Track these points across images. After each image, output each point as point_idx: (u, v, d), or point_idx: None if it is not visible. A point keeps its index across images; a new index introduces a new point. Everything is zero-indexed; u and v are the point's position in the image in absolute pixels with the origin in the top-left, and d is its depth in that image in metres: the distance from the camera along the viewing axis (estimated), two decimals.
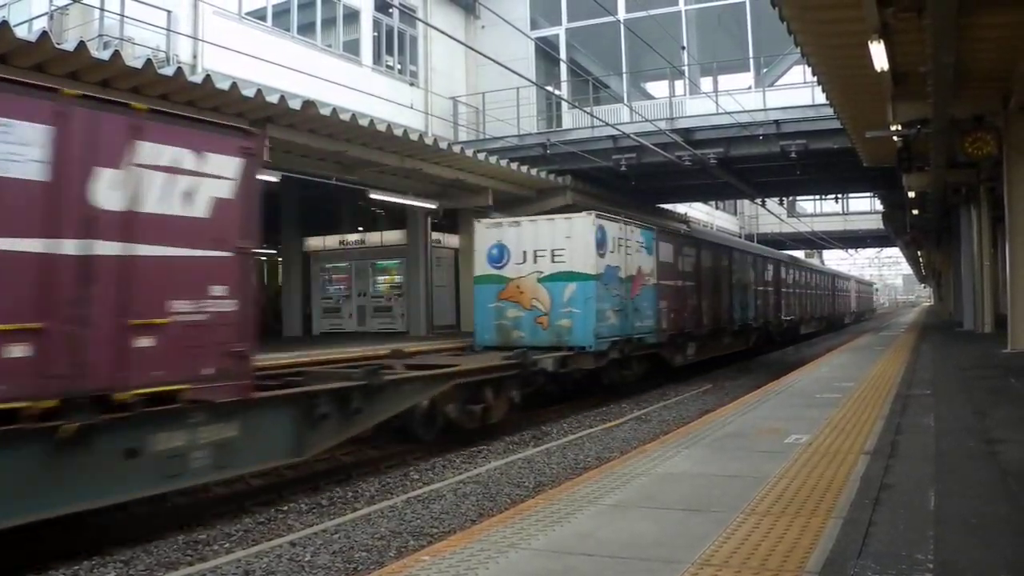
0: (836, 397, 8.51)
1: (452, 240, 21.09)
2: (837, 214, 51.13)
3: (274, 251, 28.62)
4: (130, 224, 6.25)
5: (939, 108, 12.23)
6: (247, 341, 6.99)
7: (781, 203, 42.47)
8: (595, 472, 5.33)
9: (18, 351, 5.50)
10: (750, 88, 21.80)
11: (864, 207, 50.01)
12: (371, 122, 13.77)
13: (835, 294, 46.51)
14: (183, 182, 6.63)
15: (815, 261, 61.06)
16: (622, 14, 21.82)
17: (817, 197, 47.44)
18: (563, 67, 24.33)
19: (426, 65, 23.05)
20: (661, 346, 16.54)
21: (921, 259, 54.72)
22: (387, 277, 21.18)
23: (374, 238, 21.83)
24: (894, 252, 77.91)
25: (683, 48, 21.48)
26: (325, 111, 12.79)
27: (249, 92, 11.48)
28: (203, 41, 15.56)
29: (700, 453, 5.71)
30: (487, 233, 14.35)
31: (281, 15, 18.81)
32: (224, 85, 11.14)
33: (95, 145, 6.09)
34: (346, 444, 11.07)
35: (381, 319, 20.90)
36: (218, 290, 6.78)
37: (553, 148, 20.88)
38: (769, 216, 43.81)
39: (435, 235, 19.98)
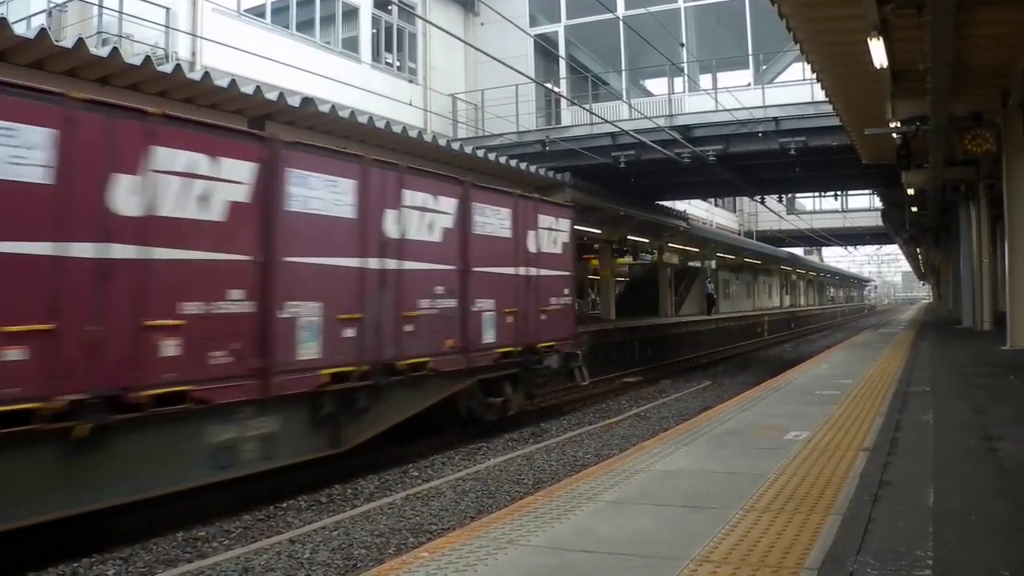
0: (835, 394, 8.52)
1: None
2: (836, 211, 51.25)
3: None
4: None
5: (938, 105, 12.23)
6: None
7: (780, 200, 42.54)
8: (594, 469, 5.33)
9: None
10: (749, 85, 21.78)
11: (863, 204, 50.14)
12: (370, 119, 13.74)
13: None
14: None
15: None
16: (621, 11, 21.79)
17: (816, 194, 47.45)
18: (562, 64, 24.31)
19: (425, 62, 23.02)
20: None
21: (920, 256, 54.76)
22: None
23: None
24: (893, 249, 78.05)
25: (682, 45, 21.46)
26: (324, 108, 12.76)
27: (248, 89, 11.45)
28: (202, 38, 15.53)
29: (699, 450, 5.71)
30: None
31: (280, 12, 18.78)
32: (223, 82, 11.11)
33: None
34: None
35: None
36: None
37: (552, 145, 20.85)
38: (768, 213, 43.84)
39: None
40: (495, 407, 11.53)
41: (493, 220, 11.20)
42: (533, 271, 12.23)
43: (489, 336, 10.98)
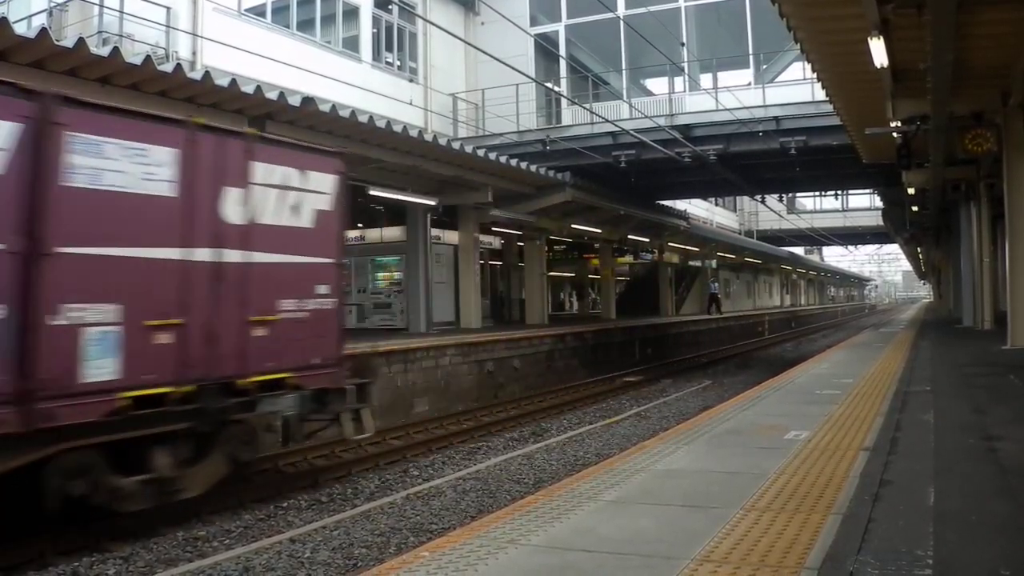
0: (836, 394, 8.51)
1: (452, 236, 21.08)
2: (837, 211, 51.24)
3: None
4: None
5: (938, 105, 12.22)
6: None
7: (781, 200, 42.51)
8: (595, 468, 5.33)
9: None
10: (750, 84, 21.77)
11: (864, 204, 50.11)
12: (370, 119, 13.75)
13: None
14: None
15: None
16: (622, 10, 21.77)
17: (817, 194, 47.45)
18: (563, 64, 24.30)
19: (426, 62, 23.02)
20: None
21: (920, 256, 54.75)
22: (386, 274, 21.15)
23: (373, 234, 21.81)
24: (894, 249, 78.02)
25: (683, 44, 21.44)
26: (324, 108, 12.77)
27: (248, 89, 11.46)
28: (202, 38, 15.53)
29: (700, 449, 5.71)
30: None
31: (280, 12, 18.78)
32: (223, 82, 11.12)
33: None
34: (343, 440, 10.51)
35: (381, 315, 20.87)
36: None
37: (553, 144, 20.84)
38: (769, 213, 43.84)
39: (434, 231, 19.94)
40: (133, 492, 6.74)
41: (125, 165, 6.61)
42: (234, 255, 7.52)
43: (101, 370, 6.36)
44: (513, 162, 18.55)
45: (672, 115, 20.91)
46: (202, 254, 7.21)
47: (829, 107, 15.95)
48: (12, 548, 6.31)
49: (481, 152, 17.44)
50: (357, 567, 6.12)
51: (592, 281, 37.39)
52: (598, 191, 22.55)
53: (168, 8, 15.03)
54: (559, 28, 23.86)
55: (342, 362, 8.72)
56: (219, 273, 7.34)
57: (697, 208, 39.68)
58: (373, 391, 9.63)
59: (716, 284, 39.10)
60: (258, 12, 18.16)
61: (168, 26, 14.96)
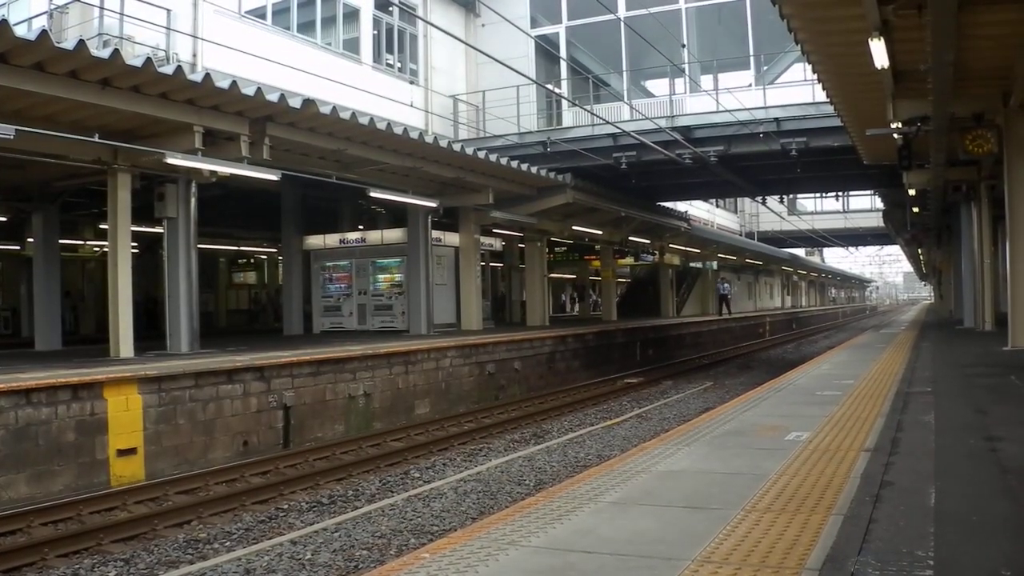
0: (836, 395, 8.50)
1: (452, 238, 21.08)
2: (838, 212, 51.20)
3: (274, 249, 28.69)
4: None
5: (939, 106, 12.22)
6: None
7: (782, 201, 42.51)
8: (596, 469, 5.32)
9: None
10: (750, 86, 21.76)
11: (865, 205, 50.11)
12: (371, 120, 13.76)
13: None
14: None
15: None
16: (622, 12, 21.78)
17: (818, 195, 47.41)
18: (563, 65, 24.30)
19: (426, 63, 23.04)
20: None
21: (922, 257, 54.76)
22: (387, 275, 21.16)
23: (374, 236, 21.82)
24: (894, 250, 77.99)
25: (683, 46, 21.44)
26: (325, 110, 12.78)
27: (249, 91, 11.47)
28: (203, 39, 15.54)
29: (701, 450, 5.71)
30: None
31: (281, 13, 18.79)
32: (224, 84, 11.13)
33: None
34: (345, 443, 11.10)
35: (381, 317, 20.89)
36: None
37: (553, 146, 20.84)
38: (770, 214, 43.85)
39: (435, 233, 19.95)
40: None
41: None
42: None
43: None
44: (514, 164, 18.56)
45: (673, 116, 20.92)
46: None
47: (830, 108, 15.94)
48: (13, 550, 6.32)
49: (482, 154, 17.45)
50: (358, 569, 6.12)
51: (593, 283, 37.40)
52: (599, 193, 22.56)
53: (168, 10, 15.04)
54: (559, 30, 23.86)
55: None
56: None
57: (698, 209, 39.68)
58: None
59: (726, 285, 39.06)
60: (259, 14, 18.17)
61: (168, 28, 14.97)
